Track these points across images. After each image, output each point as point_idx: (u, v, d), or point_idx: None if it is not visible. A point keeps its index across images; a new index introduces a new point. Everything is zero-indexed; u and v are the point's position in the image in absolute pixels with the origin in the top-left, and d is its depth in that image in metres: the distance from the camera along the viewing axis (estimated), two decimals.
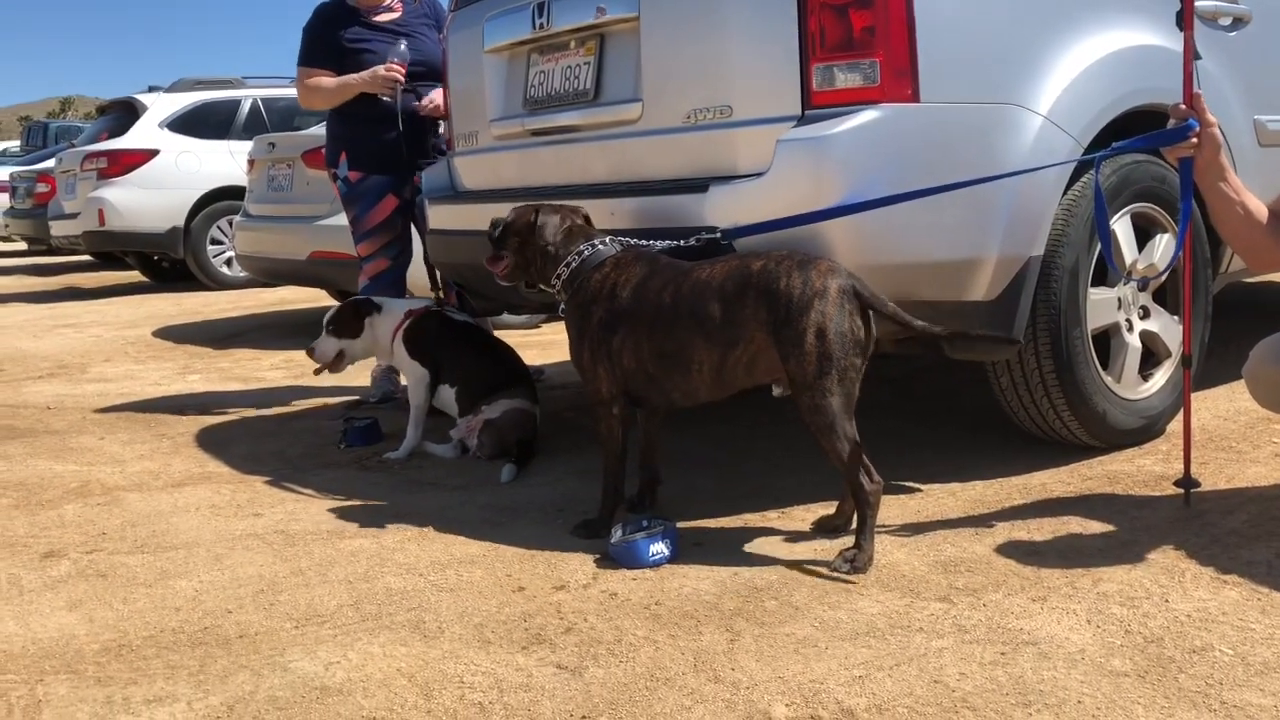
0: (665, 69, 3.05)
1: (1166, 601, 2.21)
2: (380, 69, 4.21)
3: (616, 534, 2.62)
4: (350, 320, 3.83)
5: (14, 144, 22.72)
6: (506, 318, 6.02)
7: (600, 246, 2.81)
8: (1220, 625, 2.09)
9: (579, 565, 2.60)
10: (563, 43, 3.38)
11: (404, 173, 4.34)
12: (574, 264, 2.80)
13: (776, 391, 2.62)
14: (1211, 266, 3.44)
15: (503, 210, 3.00)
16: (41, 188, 12.28)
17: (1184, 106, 2.54)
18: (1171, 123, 2.56)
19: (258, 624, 2.36)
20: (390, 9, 4.41)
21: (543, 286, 2.93)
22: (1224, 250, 3.49)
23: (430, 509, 3.10)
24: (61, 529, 3.09)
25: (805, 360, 2.43)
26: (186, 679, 2.11)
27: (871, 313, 2.48)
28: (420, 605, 2.41)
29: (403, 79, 4.22)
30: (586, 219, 2.93)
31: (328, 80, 4.31)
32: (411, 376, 3.74)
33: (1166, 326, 3.30)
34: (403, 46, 4.26)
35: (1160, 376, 3.32)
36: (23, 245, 15.70)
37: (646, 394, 2.74)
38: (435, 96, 4.26)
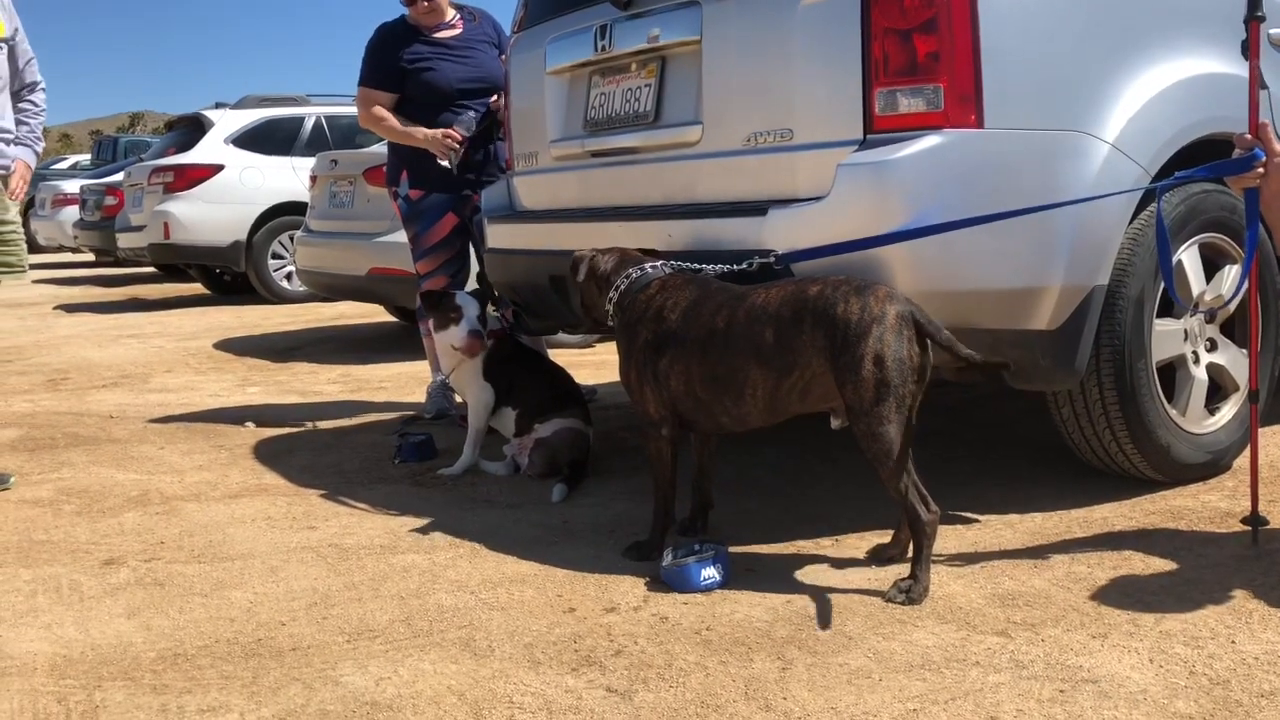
0: (726, 92, 3.05)
1: (1233, 643, 2.15)
2: (440, 133, 4.27)
3: (668, 557, 2.61)
4: (485, 310, 3.79)
5: (85, 158, 23.28)
6: (561, 337, 6.04)
7: (649, 270, 2.81)
8: None
9: (630, 587, 2.59)
10: (624, 65, 3.40)
11: (464, 192, 4.38)
12: (622, 287, 2.82)
13: (835, 424, 2.59)
14: None
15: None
16: (110, 201, 12.56)
17: (1250, 136, 2.50)
18: (1237, 152, 2.51)
19: (310, 637, 2.37)
20: (451, 26, 4.46)
21: (601, 319, 2.95)
22: None
23: (483, 526, 3.11)
24: (121, 537, 3.14)
25: (862, 387, 2.40)
26: (239, 690, 2.13)
27: (929, 340, 2.45)
28: (471, 623, 2.41)
29: (459, 149, 4.28)
30: (642, 253, 2.94)
31: (392, 121, 4.37)
32: (477, 397, 3.75)
33: (1234, 359, 3.23)
34: (469, 115, 4.32)
35: (1227, 410, 3.24)
36: (90, 256, 16.06)
37: (695, 417, 2.73)
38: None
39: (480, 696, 2.06)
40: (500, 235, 3.93)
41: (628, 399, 2.87)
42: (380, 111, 4.38)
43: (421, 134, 4.30)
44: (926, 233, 2.61)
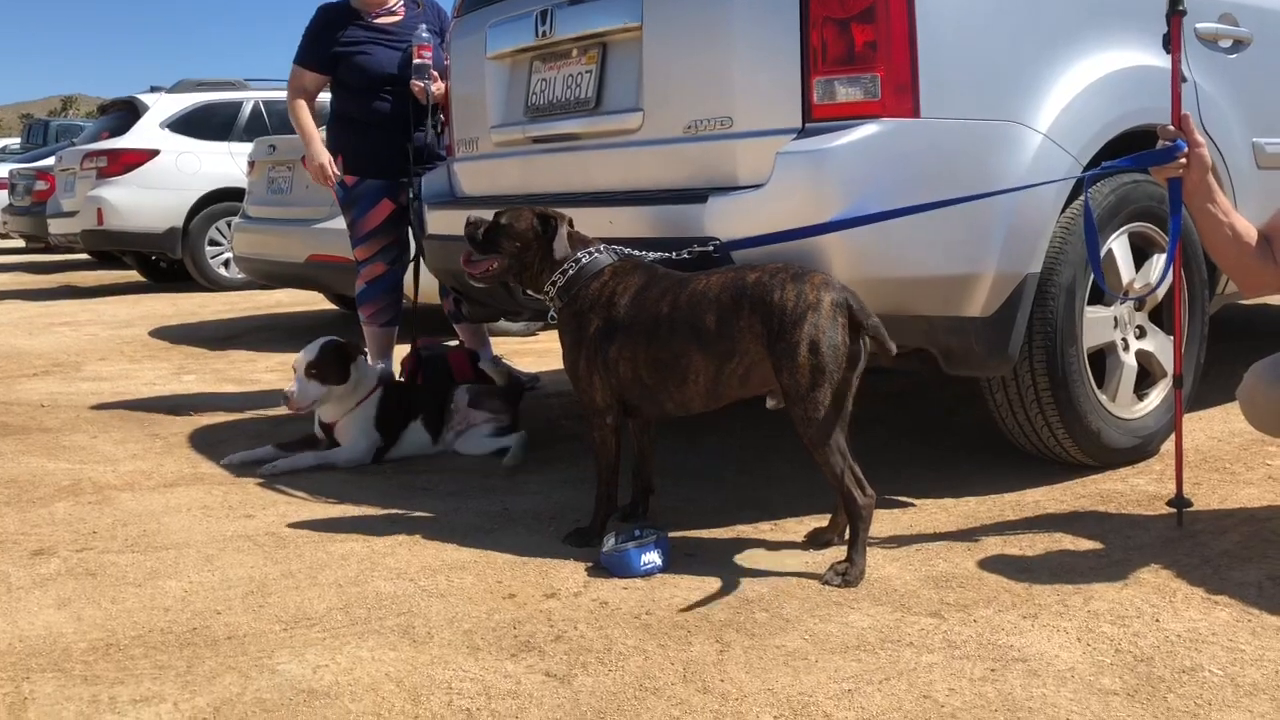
0: (666, 79, 3.05)
1: (1157, 621, 2.21)
2: (326, 163, 4.34)
3: (608, 543, 2.62)
4: (336, 365, 3.71)
5: (14, 141, 22.68)
6: (503, 324, 6.02)
7: (598, 255, 2.79)
8: (1210, 646, 2.09)
9: (570, 573, 2.59)
10: (565, 51, 3.39)
11: (400, 177, 4.34)
12: (570, 271, 2.77)
13: (770, 404, 2.62)
14: (1208, 287, 3.44)
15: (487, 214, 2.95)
16: (40, 185, 12.25)
17: (1172, 127, 2.56)
18: (1160, 143, 2.58)
19: (246, 626, 2.35)
20: (392, 12, 4.42)
21: (530, 292, 2.91)
22: (1220, 272, 3.50)
23: (422, 514, 3.10)
24: (52, 527, 3.08)
25: (798, 373, 2.43)
26: (173, 679, 2.10)
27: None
28: (410, 610, 2.40)
29: (333, 180, 4.37)
30: (571, 223, 2.88)
31: (304, 118, 4.43)
32: (366, 443, 3.69)
33: (1162, 346, 3.31)
34: (423, 31, 4.30)
35: (1155, 396, 3.32)
36: (20, 243, 15.67)
37: (640, 403, 2.73)
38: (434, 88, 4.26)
39: (418, 683, 2.06)
40: (441, 221, 3.90)
41: (570, 387, 2.86)
42: (299, 105, 4.42)
43: (314, 150, 4.36)
44: (865, 221, 2.64)
